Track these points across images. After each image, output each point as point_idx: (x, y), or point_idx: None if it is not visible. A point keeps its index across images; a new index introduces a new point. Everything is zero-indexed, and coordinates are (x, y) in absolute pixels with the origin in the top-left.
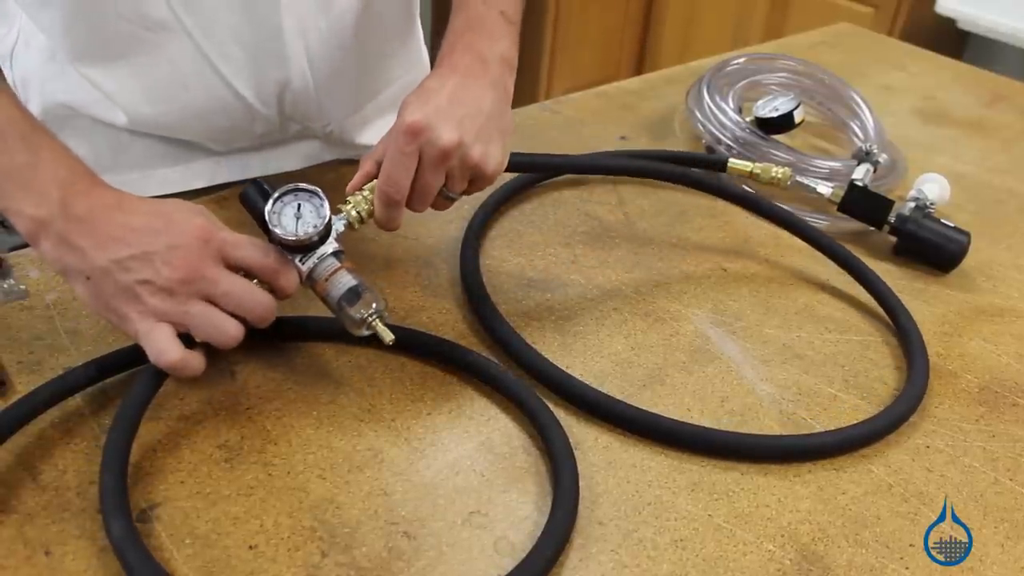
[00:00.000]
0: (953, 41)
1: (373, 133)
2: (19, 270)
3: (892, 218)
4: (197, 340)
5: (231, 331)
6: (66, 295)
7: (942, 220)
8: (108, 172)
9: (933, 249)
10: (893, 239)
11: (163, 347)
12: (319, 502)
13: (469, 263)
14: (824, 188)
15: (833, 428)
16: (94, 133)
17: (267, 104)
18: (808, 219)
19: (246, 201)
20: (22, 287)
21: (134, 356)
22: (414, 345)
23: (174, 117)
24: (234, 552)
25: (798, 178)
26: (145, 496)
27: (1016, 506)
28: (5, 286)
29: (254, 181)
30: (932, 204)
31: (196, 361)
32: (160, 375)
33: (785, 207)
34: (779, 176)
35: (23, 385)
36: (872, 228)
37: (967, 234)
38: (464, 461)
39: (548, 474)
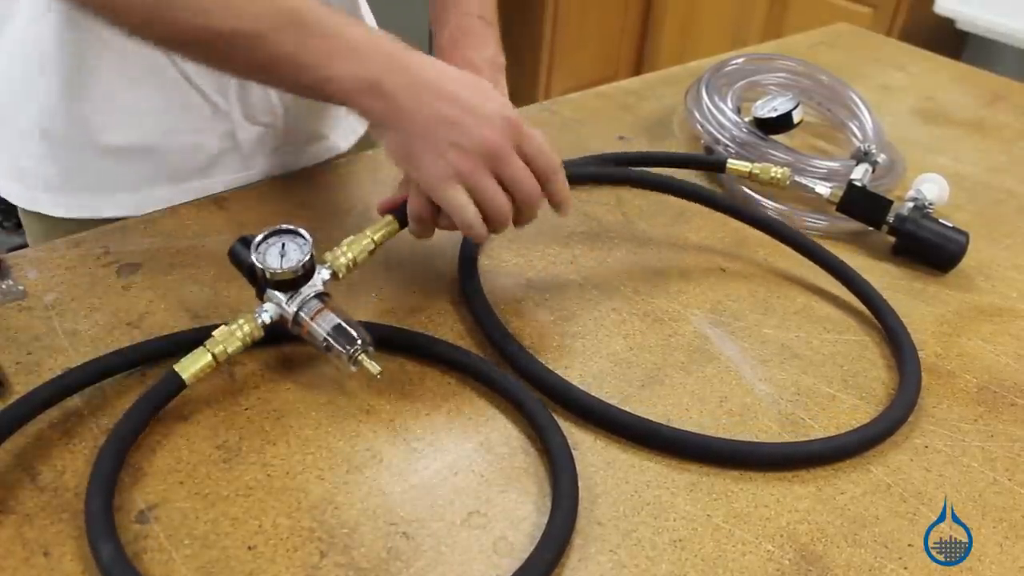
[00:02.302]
0: (952, 41)
1: (329, 122)
2: (17, 271)
3: (891, 218)
4: (476, 211)
5: (506, 211)
6: (64, 296)
7: (941, 220)
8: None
9: (932, 249)
10: (892, 239)
11: (463, 202)
12: (318, 502)
13: (467, 265)
14: (823, 188)
15: (832, 428)
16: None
17: (226, 97)
18: (807, 220)
19: (234, 256)
20: (20, 287)
21: (133, 357)
22: (412, 346)
23: (140, 127)
24: (233, 553)
25: (797, 178)
26: (143, 497)
27: (1015, 506)
28: (3, 286)
29: (241, 237)
30: (931, 204)
31: (482, 228)
32: (152, 408)
33: (782, 205)
34: (778, 176)
35: (21, 386)
36: (871, 228)
37: (966, 234)
38: (463, 461)
39: (547, 474)
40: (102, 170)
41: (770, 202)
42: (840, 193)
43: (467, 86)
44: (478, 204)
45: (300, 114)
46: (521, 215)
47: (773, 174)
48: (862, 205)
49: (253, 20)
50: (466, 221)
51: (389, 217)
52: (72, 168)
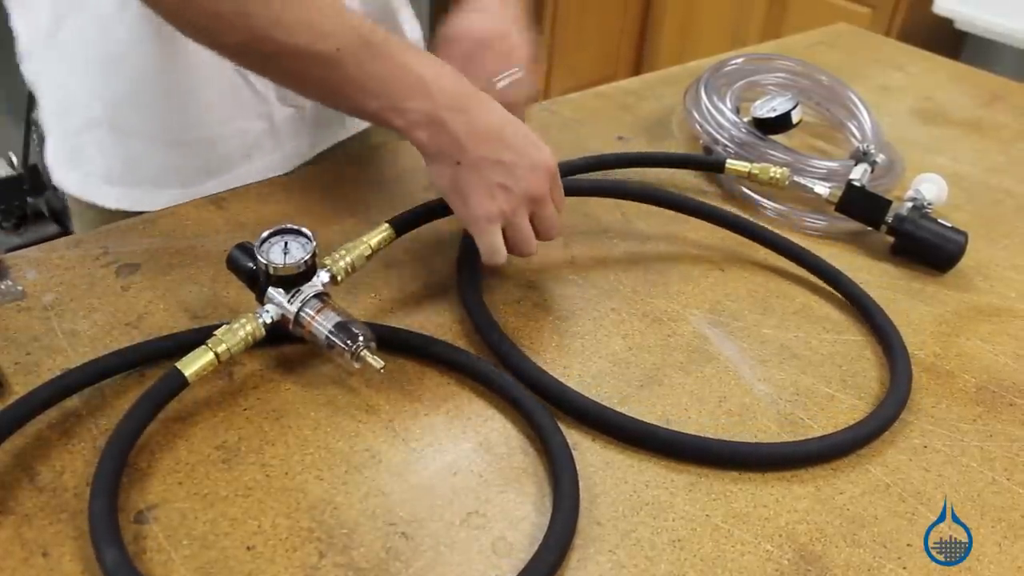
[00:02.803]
0: (950, 41)
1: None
2: (16, 271)
3: (889, 218)
4: (504, 248)
5: (532, 247)
6: (63, 296)
7: (939, 220)
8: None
9: (930, 249)
10: (891, 239)
11: (497, 245)
12: (317, 503)
13: (465, 266)
14: (821, 188)
15: (830, 428)
16: (114, 144)
17: (263, 80)
18: (806, 219)
19: (232, 263)
20: (19, 288)
21: (132, 358)
22: (411, 347)
23: (201, 119)
24: (232, 553)
25: (796, 178)
26: (142, 497)
27: (1013, 505)
28: (2, 287)
29: (239, 244)
30: (930, 204)
31: (504, 259)
32: (155, 406)
33: (781, 205)
34: (777, 176)
35: (20, 386)
36: (870, 228)
37: (964, 234)
38: (462, 462)
39: (546, 475)
40: (163, 163)
41: (769, 202)
42: (839, 193)
43: (519, 134)
44: (509, 238)
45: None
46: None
47: (772, 174)
48: (861, 205)
49: (330, 41)
50: (496, 257)
51: (385, 225)
52: (135, 161)
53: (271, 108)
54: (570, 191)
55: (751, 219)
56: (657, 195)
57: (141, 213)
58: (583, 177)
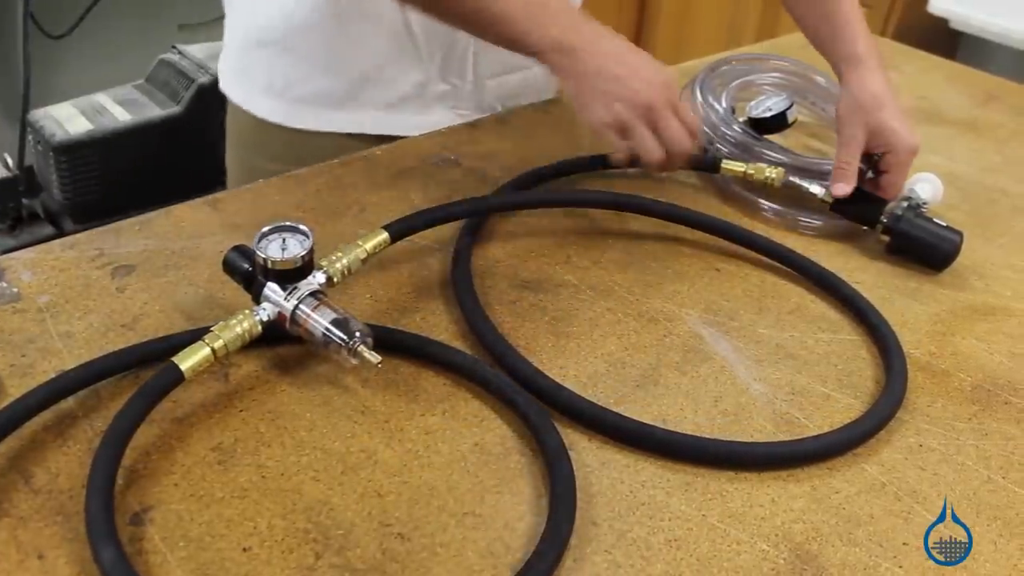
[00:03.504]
0: (946, 41)
1: (515, 100)
2: (11, 273)
3: (885, 218)
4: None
5: (655, 156)
6: (59, 298)
7: (935, 219)
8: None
9: (926, 248)
10: (886, 239)
11: (618, 147)
12: (313, 504)
13: (460, 267)
14: (817, 188)
15: (826, 428)
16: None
17: (431, 52)
18: (801, 219)
19: (228, 265)
20: (14, 290)
21: (127, 359)
22: (407, 347)
23: (362, 56)
24: (228, 554)
25: (791, 179)
26: (138, 499)
27: (1008, 504)
28: None
29: (235, 246)
30: (925, 203)
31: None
32: (151, 400)
33: (777, 205)
34: (773, 177)
35: (15, 388)
36: (865, 228)
37: (960, 233)
38: (458, 462)
39: (542, 475)
40: (318, 87)
41: (766, 202)
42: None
43: (635, 52)
44: (634, 149)
45: (481, 85)
46: (671, 162)
47: (767, 175)
48: (856, 205)
49: None
50: (619, 159)
51: (381, 230)
52: (294, 80)
53: (427, 80)
54: (562, 203)
55: (739, 225)
56: (648, 206)
57: (290, 129)
58: (574, 187)
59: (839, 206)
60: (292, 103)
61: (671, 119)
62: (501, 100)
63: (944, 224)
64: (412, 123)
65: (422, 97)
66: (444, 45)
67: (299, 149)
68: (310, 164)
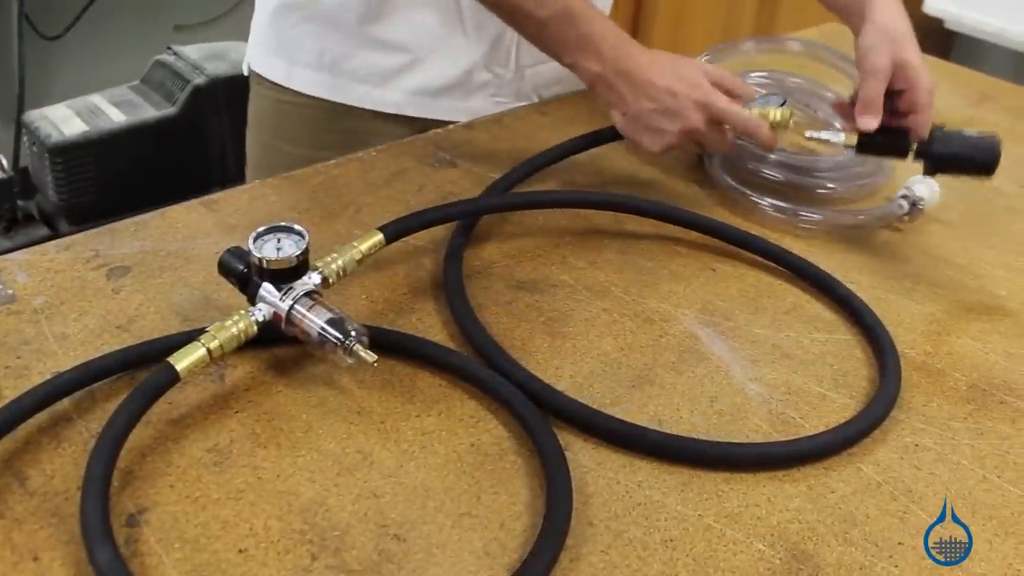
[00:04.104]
0: (940, 41)
1: (551, 89)
2: (6, 274)
3: (915, 143)
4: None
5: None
6: (54, 299)
7: (963, 131)
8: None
9: (967, 160)
10: (921, 163)
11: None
12: (309, 505)
13: (451, 268)
14: (831, 135)
15: (822, 427)
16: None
17: (480, 40)
18: (803, 214)
19: (224, 267)
20: (9, 291)
21: (123, 360)
22: (402, 348)
23: (408, 35)
24: (224, 556)
25: (810, 133)
26: (134, 501)
27: (1004, 503)
28: None
29: (230, 248)
30: (921, 200)
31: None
32: (147, 400)
33: (780, 201)
34: (779, 119)
35: (10, 390)
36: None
37: (994, 135)
38: (454, 463)
39: (538, 475)
40: (363, 62)
41: (765, 199)
42: (855, 137)
43: (675, 83)
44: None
45: (522, 76)
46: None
47: (773, 117)
48: (882, 139)
49: (544, 9)
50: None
51: (376, 231)
52: (341, 55)
53: (472, 67)
54: (557, 203)
55: (734, 226)
56: (643, 206)
57: (330, 103)
58: (568, 190)
59: (864, 145)
60: (338, 76)
61: (712, 133)
62: (537, 89)
63: (974, 133)
64: (452, 108)
65: (466, 84)
66: (491, 34)
67: (331, 129)
68: (334, 149)
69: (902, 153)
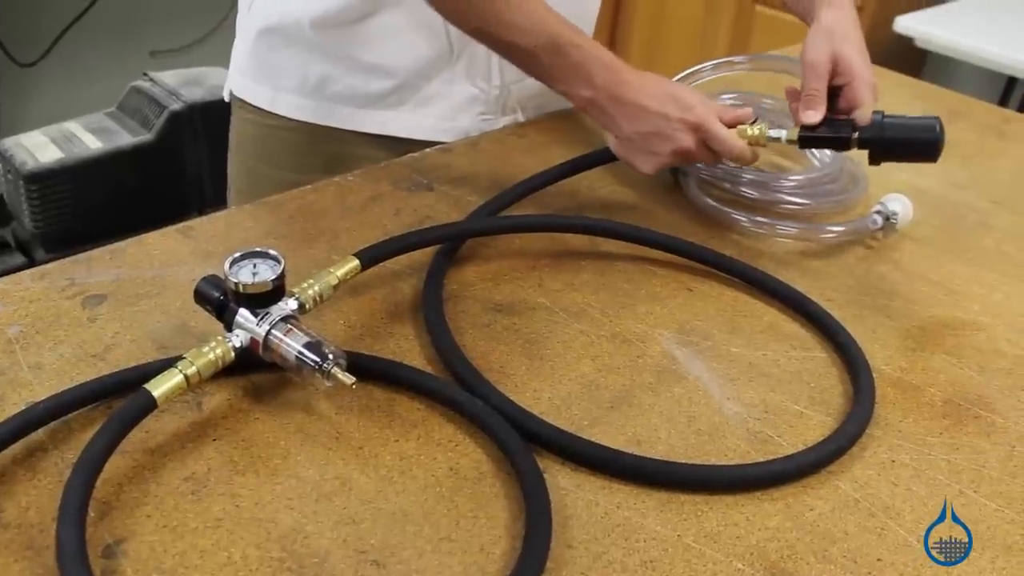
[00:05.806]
0: (911, 59)
1: (534, 100)
2: None
3: (856, 132)
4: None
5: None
6: (29, 328)
7: (903, 115)
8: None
9: (906, 144)
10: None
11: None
12: (287, 532)
13: (430, 292)
14: (778, 132)
15: (800, 445)
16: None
17: (461, 51)
18: (778, 227)
19: (200, 295)
20: None
21: (98, 390)
22: (380, 372)
23: (393, 53)
24: None
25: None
26: (111, 531)
27: (980, 517)
28: None
29: (205, 277)
30: (894, 214)
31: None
32: (123, 427)
33: (758, 216)
34: (756, 134)
35: None
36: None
37: (935, 117)
38: (433, 487)
39: (517, 499)
40: (349, 84)
41: (742, 215)
42: (797, 131)
43: (666, 106)
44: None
45: (508, 91)
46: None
47: (750, 133)
48: (824, 131)
49: (531, 39)
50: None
51: (352, 257)
52: (326, 78)
53: (454, 77)
54: (534, 227)
55: (709, 247)
56: (620, 230)
57: (314, 127)
58: (544, 214)
59: (808, 139)
60: (323, 99)
61: (705, 152)
62: (522, 102)
63: (914, 117)
64: (438, 128)
65: (452, 102)
66: (477, 52)
67: (315, 152)
68: (319, 172)
69: (844, 144)
